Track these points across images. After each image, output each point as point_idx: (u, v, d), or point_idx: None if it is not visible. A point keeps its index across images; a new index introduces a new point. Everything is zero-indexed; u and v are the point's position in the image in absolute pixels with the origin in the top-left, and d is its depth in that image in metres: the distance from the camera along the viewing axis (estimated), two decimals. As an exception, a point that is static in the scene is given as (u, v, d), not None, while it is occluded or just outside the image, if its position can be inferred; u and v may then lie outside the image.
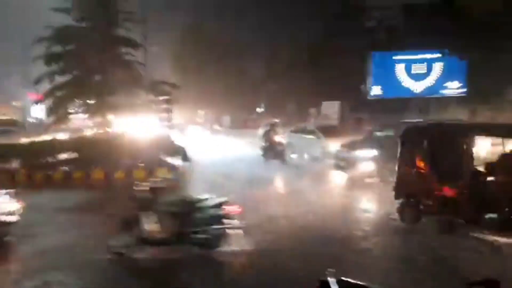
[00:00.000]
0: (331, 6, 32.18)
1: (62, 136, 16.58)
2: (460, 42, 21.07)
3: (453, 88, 24.75)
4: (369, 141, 12.11)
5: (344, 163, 11.90)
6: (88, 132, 16.82)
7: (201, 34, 38.51)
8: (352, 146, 12.16)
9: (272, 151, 13.74)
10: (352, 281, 2.57)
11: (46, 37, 15.27)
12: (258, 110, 42.07)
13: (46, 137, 15.82)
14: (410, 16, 26.90)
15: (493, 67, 20.46)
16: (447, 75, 24.63)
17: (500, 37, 20.31)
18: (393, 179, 7.57)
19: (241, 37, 39.27)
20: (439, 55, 23.48)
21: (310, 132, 15.66)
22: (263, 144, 14.29)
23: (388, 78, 25.98)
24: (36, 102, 19.27)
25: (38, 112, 29.13)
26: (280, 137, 15.17)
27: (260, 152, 14.62)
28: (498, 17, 21.75)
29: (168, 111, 14.41)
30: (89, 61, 15.76)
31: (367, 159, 11.16)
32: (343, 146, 12.53)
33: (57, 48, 15.53)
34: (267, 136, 14.23)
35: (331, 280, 2.47)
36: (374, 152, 11.09)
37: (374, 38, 31.43)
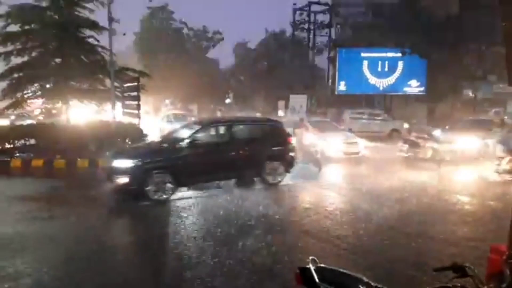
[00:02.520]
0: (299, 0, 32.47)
1: (19, 122, 15.66)
2: (421, 41, 21.95)
3: (414, 86, 25.89)
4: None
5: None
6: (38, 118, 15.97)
7: (169, 20, 37.52)
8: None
9: (306, 155, 11.24)
10: (332, 267, 2.67)
11: (2, 15, 14.26)
12: (227, 101, 41.86)
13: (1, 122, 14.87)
14: (374, 15, 27.63)
15: (451, 67, 21.59)
16: (408, 74, 25.73)
17: (458, 38, 21.45)
18: None
19: (209, 24, 38.74)
20: (400, 54, 24.39)
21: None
22: None
23: (352, 75, 26.73)
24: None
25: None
26: (312, 136, 13.09)
27: None
28: (456, 18, 22.96)
29: (135, 99, 13.95)
30: (49, 42, 14.93)
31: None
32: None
33: (14, 28, 14.57)
34: (297, 138, 11.62)
35: (311, 267, 2.55)
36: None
37: (341, 34, 32.13)
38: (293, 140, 13.32)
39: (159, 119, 24.41)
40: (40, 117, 17.78)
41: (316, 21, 32.15)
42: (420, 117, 20.95)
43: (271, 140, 9.49)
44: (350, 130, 18.74)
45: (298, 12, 33.06)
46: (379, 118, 20.50)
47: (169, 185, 7.92)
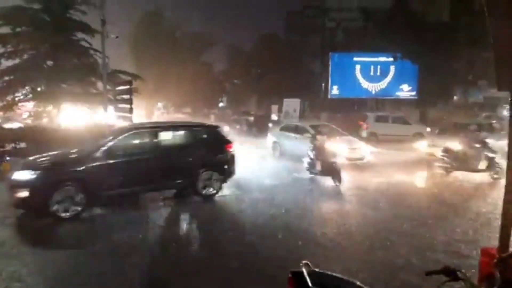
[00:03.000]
0: (292, 4, 32.74)
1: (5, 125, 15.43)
2: (412, 46, 22.20)
3: (406, 91, 26.17)
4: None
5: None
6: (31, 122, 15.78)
7: (162, 24, 37.48)
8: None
9: (326, 166, 9.80)
10: (325, 272, 2.66)
11: (-8, 17, 14.14)
12: (220, 104, 41.88)
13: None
14: (367, 20, 27.91)
15: (442, 72, 21.85)
16: (400, 78, 26.02)
17: (449, 43, 21.74)
18: None
19: (203, 29, 38.85)
20: (391, 59, 24.67)
21: (300, 131, 13.85)
22: (311, 156, 10.29)
23: (345, 79, 26.95)
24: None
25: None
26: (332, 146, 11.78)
27: (305, 167, 10.59)
28: (447, 25, 23.29)
29: (128, 102, 13.85)
30: (41, 45, 14.84)
31: None
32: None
33: (5, 30, 14.45)
34: (317, 146, 10.31)
35: (304, 271, 2.54)
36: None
37: (333, 39, 32.41)
38: (275, 148, 13.75)
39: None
40: (28, 121, 17.55)
41: (309, 25, 32.38)
42: (413, 121, 21.07)
43: (206, 147, 8.53)
44: (374, 134, 18.58)
45: (291, 16, 33.29)
46: (402, 121, 19.90)
47: (78, 200, 6.83)
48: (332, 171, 9.69)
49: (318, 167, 9.96)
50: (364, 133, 18.87)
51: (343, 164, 11.33)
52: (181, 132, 8.82)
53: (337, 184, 9.53)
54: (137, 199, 7.99)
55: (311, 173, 10.39)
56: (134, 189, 7.64)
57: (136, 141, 8.10)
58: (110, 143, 7.49)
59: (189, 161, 8.16)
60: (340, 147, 11.99)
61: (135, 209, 7.57)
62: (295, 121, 19.78)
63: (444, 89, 23.01)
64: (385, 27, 24.09)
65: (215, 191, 8.36)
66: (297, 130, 14.25)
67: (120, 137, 7.73)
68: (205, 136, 8.91)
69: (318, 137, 10.78)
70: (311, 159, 10.33)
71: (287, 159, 13.51)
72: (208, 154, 8.47)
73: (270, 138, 15.56)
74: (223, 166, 8.57)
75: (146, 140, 8.05)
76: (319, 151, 10.13)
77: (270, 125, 22.68)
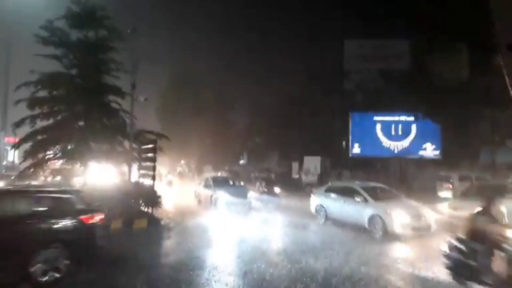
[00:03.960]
0: (313, 68, 34.03)
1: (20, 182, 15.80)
2: (433, 106, 22.28)
3: (429, 150, 25.76)
4: None
5: None
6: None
7: (187, 86, 39.47)
8: None
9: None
10: None
11: (33, 82, 15.28)
12: (241, 161, 42.23)
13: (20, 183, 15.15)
14: (386, 81, 28.54)
15: (466, 132, 21.56)
16: (423, 137, 25.75)
17: (470, 104, 21.72)
18: None
19: (226, 90, 40.56)
20: (412, 118, 24.72)
21: (349, 192, 12.10)
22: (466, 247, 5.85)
23: (366, 137, 26.91)
24: (14, 146, 18.71)
25: (15, 156, 28.29)
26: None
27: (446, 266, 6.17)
28: (466, 84, 23.47)
29: (152, 160, 14.23)
30: (74, 106, 15.78)
31: None
32: None
33: (43, 93, 15.51)
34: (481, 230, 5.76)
35: None
36: None
37: (353, 99, 33.00)
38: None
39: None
40: (49, 178, 17.66)
41: (329, 87, 33.26)
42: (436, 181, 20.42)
43: (53, 219, 6.94)
44: (460, 195, 13.94)
45: (311, 79, 34.44)
46: (488, 180, 17.63)
47: None
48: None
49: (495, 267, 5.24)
50: (446, 194, 17.78)
51: (404, 235, 9.77)
52: (22, 199, 7.06)
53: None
54: None
55: (467, 279, 5.62)
56: None
57: None
58: None
59: (20, 236, 6.44)
60: (402, 214, 10.31)
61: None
62: (345, 181, 18.97)
63: (468, 149, 22.52)
64: (404, 88, 24.51)
65: (59, 276, 6.58)
66: (345, 191, 12.39)
67: None
68: (57, 204, 7.19)
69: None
70: (462, 253, 5.63)
71: (337, 226, 12.15)
72: (53, 227, 6.85)
73: (313, 200, 13.88)
74: (75, 244, 6.94)
75: None
76: (488, 239, 5.43)
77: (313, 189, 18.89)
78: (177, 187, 27.45)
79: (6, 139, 24.46)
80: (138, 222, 12.21)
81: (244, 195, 16.19)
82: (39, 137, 15.16)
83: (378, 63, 30.84)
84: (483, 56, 21.52)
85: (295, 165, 31.17)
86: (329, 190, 13.56)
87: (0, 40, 22.05)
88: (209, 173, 29.64)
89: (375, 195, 11.67)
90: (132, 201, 13.43)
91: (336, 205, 12.65)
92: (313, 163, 28.26)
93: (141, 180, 14.98)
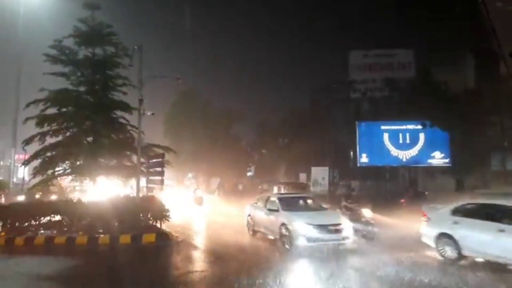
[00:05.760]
0: (318, 79, 34.22)
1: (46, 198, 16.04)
2: (440, 114, 22.11)
3: (438, 158, 25.47)
4: None
5: None
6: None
7: (195, 100, 39.82)
8: None
9: None
10: None
11: (42, 99, 15.54)
12: (248, 174, 42.19)
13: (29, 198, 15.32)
14: (391, 89, 28.47)
15: (475, 139, 21.32)
16: (431, 146, 25.50)
17: (477, 111, 21.54)
18: None
19: (233, 104, 40.89)
20: (420, 126, 24.53)
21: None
22: None
23: (374, 147, 26.73)
24: (23, 163, 18.94)
25: (24, 173, 28.63)
26: None
27: None
28: (473, 92, 23.32)
29: (160, 174, 14.28)
30: (83, 123, 15.98)
31: None
32: None
33: (51, 110, 15.75)
34: None
35: None
36: None
37: (359, 108, 32.99)
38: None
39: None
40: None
41: (334, 97, 33.34)
42: (448, 190, 20.18)
43: None
44: None
45: (316, 91, 34.59)
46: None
47: None
48: None
49: None
50: None
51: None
52: None
53: None
54: None
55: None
56: None
57: None
58: None
59: None
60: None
61: None
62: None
63: (478, 157, 22.23)
64: (411, 96, 24.39)
65: None
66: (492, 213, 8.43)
67: None
68: None
69: None
70: None
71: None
72: None
73: (430, 228, 9.71)
74: None
75: None
76: None
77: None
78: (210, 206, 23.61)
79: (16, 156, 24.79)
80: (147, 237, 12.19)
81: (337, 226, 10.34)
82: (48, 154, 15.35)
83: (383, 72, 30.87)
84: (489, 63, 21.44)
85: (302, 176, 31.02)
86: (457, 212, 9.30)
87: (11, 59, 22.59)
88: (264, 185, 27.06)
89: None
90: (141, 215, 13.42)
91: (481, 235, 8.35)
92: (321, 174, 28.09)
93: (149, 193, 15.01)
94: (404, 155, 26.21)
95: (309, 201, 12.81)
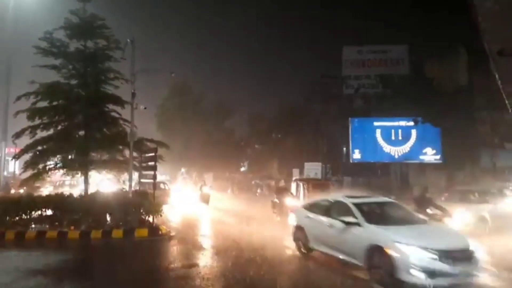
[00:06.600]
0: (311, 74, 34.27)
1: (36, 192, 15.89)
2: (432, 110, 22.29)
3: (430, 155, 25.74)
4: None
5: None
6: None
7: (188, 94, 39.65)
8: None
9: None
10: None
11: (33, 92, 15.30)
12: (242, 169, 42.23)
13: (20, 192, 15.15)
14: (384, 85, 28.62)
15: (466, 135, 21.56)
16: (423, 142, 25.76)
17: (468, 107, 21.76)
18: None
19: (225, 98, 40.78)
20: (412, 123, 24.73)
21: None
22: None
23: (366, 143, 26.94)
24: (14, 157, 18.71)
25: (15, 166, 28.36)
26: None
27: None
28: (465, 88, 23.52)
29: (152, 168, 14.22)
30: (74, 116, 15.78)
31: None
32: None
33: (43, 103, 15.51)
34: None
35: None
36: None
37: (352, 105, 33.14)
38: None
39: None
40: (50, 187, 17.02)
41: (328, 92, 33.42)
42: (439, 186, 20.38)
43: None
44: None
45: (309, 85, 34.63)
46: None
47: None
48: None
49: None
50: None
51: None
52: None
53: None
54: None
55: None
56: None
57: None
58: None
59: None
60: None
61: None
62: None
63: (468, 152, 22.51)
64: (403, 93, 24.54)
65: None
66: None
67: None
68: None
69: None
70: None
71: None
72: None
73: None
74: None
75: None
76: None
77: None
78: (219, 204, 21.00)
79: (7, 149, 24.49)
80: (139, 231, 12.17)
81: (466, 253, 6.73)
82: (40, 148, 15.13)
83: (377, 68, 31.00)
84: (480, 60, 21.61)
85: (295, 172, 31.09)
86: (315, 207, 9.35)
87: (0, 51, 22.21)
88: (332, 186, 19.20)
89: None
90: (133, 209, 13.38)
91: None
92: (313, 170, 28.20)
93: (142, 188, 14.95)
94: (396, 152, 26.45)
95: (399, 210, 8.64)
